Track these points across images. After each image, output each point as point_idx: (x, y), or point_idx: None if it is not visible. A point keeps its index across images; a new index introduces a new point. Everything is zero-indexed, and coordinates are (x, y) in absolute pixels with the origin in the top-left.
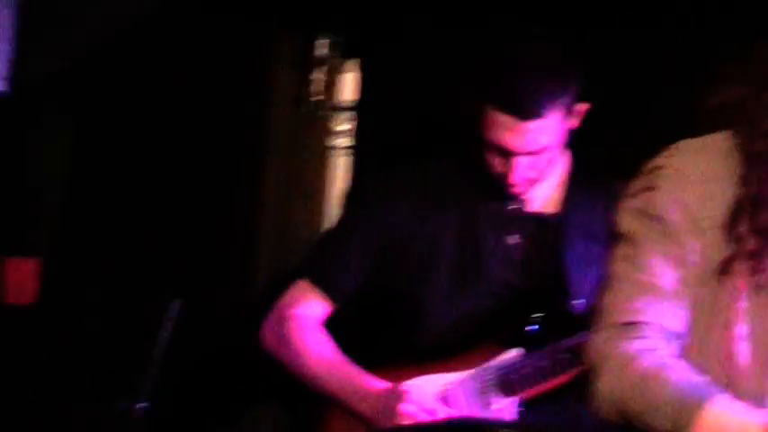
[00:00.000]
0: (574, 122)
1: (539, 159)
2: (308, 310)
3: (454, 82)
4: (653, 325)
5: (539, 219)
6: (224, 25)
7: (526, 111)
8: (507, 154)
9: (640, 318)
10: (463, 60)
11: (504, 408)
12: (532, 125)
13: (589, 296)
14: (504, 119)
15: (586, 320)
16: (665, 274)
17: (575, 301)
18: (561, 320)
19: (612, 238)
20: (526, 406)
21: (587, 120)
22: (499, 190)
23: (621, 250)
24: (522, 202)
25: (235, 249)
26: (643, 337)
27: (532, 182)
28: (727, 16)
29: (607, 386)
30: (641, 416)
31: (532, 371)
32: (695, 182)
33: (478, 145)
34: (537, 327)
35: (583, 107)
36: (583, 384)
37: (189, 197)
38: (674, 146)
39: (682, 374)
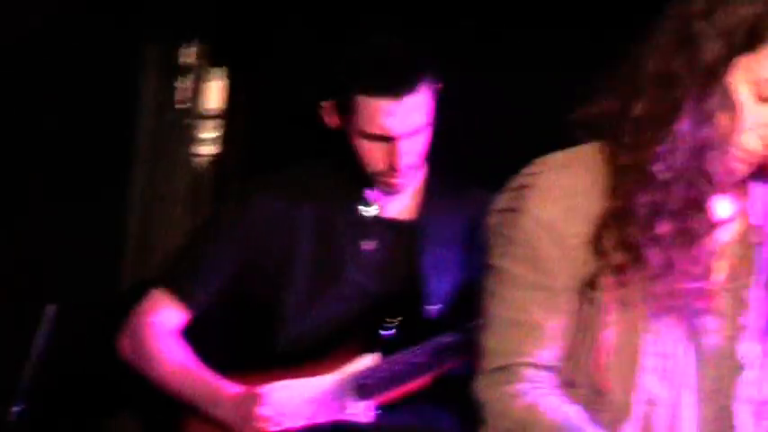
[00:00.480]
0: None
1: (418, 141)
2: (163, 318)
3: (316, 84)
4: (526, 365)
5: (395, 225)
6: (91, 30)
7: (399, 87)
8: (388, 140)
9: (514, 359)
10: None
11: (360, 412)
12: (408, 101)
13: (444, 301)
14: (379, 103)
15: (441, 325)
16: (534, 307)
17: (430, 307)
18: (417, 325)
19: (483, 267)
20: (382, 410)
21: (443, 129)
22: (357, 194)
23: (491, 286)
24: (378, 208)
25: (101, 254)
26: (517, 381)
27: (414, 170)
28: (599, 25)
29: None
30: None
31: (389, 375)
32: (559, 198)
33: (350, 146)
34: (393, 331)
35: (438, 86)
36: (438, 388)
37: (56, 201)
38: (539, 161)
39: (555, 413)
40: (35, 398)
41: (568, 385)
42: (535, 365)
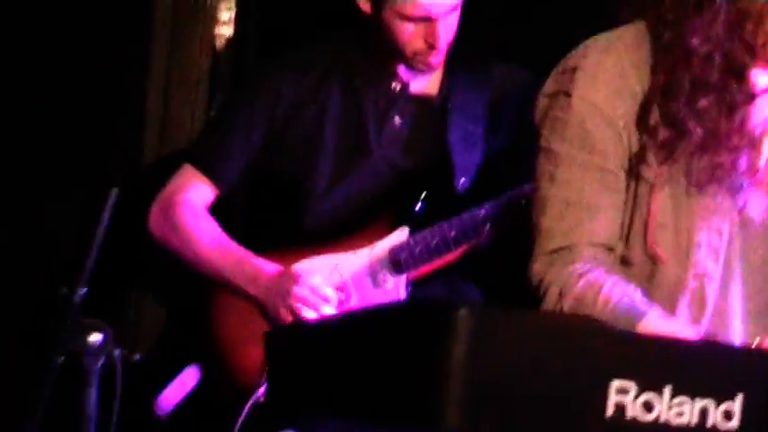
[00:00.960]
0: None
1: (454, 17)
2: (194, 196)
3: None
4: (584, 244)
5: (421, 100)
6: None
7: None
8: (428, 20)
9: (572, 240)
10: None
11: (394, 286)
12: None
13: (471, 175)
14: None
15: (469, 198)
16: (589, 187)
17: (459, 181)
18: (446, 199)
19: (535, 150)
20: (414, 284)
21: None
22: (384, 71)
23: (544, 167)
24: (405, 84)
25: (123, 135)
26: (578, 260)
27: (449, 46)
28: None
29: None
30: None
31: (421, 249)
32: (606, 80)
33: (381, 27)
34: (422, 206)
35: None
36: (467, 262)
37: (76, 84)
38: (586, 43)
39: (614, 294)
40: (98, 280)
41: (624, 263)
42: (593, 244)
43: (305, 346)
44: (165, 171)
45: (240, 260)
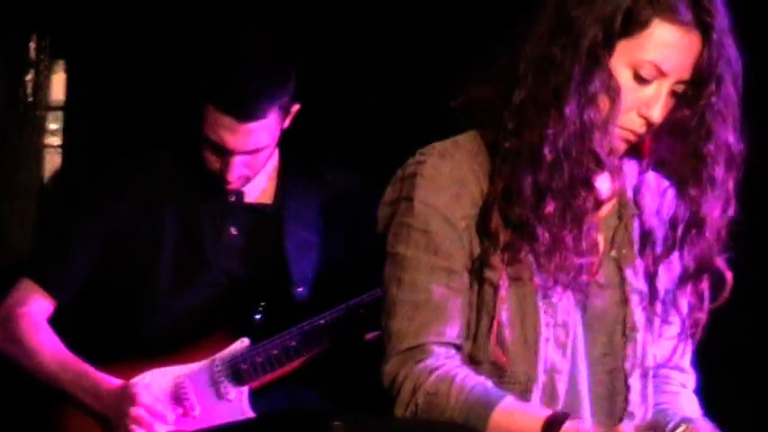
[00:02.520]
0: (287, 121)
1: (256, 158)
2: (33, 308)
3: (169, 78)
4: (434, 344)
5: (256, 209)
6: None
7: (247, 113)
8: (225, 152)
9: (422, 339)
10: (179, 57)
11: (236, 397)
12: (252, 126)
13: (310, 283)
14: (224, 119)
15: (307, 307)
16: (435, 288)
17: (296, 289)
18: (285, 308)
19: (382, 256)
20: (256, 394)
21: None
22: (217, 183)
23: (391, 272)
24: (239, 194)
25: None
26: (428, 357)
27: (248, 178)
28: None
29: (401, 410)
30: None
31: (262, 360)
32: (445, 186)
33: (195, 139)
34: (261, 315)
35: (296, 107)
36: (308, 370)
37: None
38: (423, 150)
39: (467, 383)
40: None
41: (473, 362)
42: (442, 343)
43: None
44: None
45: (80, 374)
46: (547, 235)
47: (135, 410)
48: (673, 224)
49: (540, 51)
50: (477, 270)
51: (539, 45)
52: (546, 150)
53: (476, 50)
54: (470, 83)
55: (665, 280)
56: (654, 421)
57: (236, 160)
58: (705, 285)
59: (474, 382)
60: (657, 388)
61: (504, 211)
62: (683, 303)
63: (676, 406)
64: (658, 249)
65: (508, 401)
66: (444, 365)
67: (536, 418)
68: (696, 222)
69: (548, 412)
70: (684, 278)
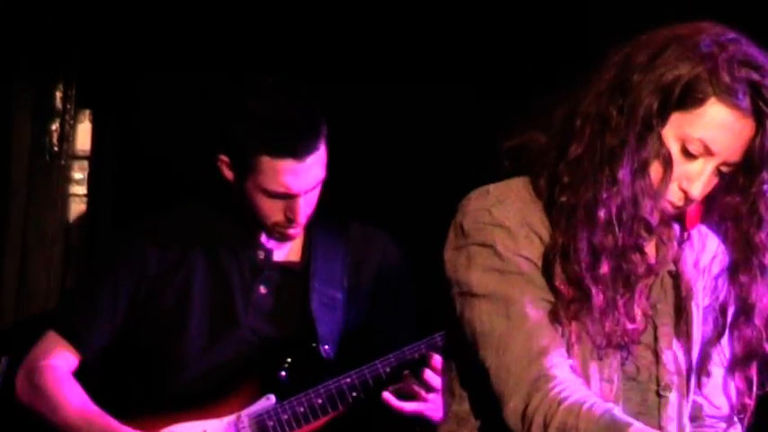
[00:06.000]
0: None
1: (315, 194)
2: (58, 362)
3: (195, 137)
4: (558, 368)
5: (285, 268)
6: None
7: (302, 149)
8: (290, 197)
9: (545, 367)
10: (203, 111)
11: None
12: (310, 161)
13: (335, 342)
14: (283, 164)
15: (333, 365)
16: (544, 315)
17: (322, 348)
18: (311, 366)
19: (456, 300)
20: None
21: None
22: (247, 239)
23: (488, 309)
24: (268, 252)
25: None
26: (554, 386)
27: (308, 217)
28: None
29: None
30: None
31: (288, 417)
32: (515, 230)
33: (239, 195)
34: (287, 372)
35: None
36: (333, 428)
37: None
38: (480, 195)
39: (596, 411)
40: None
41: None
42: (566, 368)
43: None
44: (23, 331)
45: (105, 428)
46: (601, 296)
47: None
48: (722, 309)
49: (598, 109)
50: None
51: (597, 103)
52: (600, 213)
53: (491, 110)
54: (518, 128)
55: (702, 345)
56: None
57: (302, 201)
58: (753, 371)
59: (603, 408)
60: None
61: (564, 267)
62: (732, 388)
63: None
64: (695, 303)
65: (639, 426)
66: (570, 393)
67: None
68: (745, 309)
69: None
70: (733, 364)
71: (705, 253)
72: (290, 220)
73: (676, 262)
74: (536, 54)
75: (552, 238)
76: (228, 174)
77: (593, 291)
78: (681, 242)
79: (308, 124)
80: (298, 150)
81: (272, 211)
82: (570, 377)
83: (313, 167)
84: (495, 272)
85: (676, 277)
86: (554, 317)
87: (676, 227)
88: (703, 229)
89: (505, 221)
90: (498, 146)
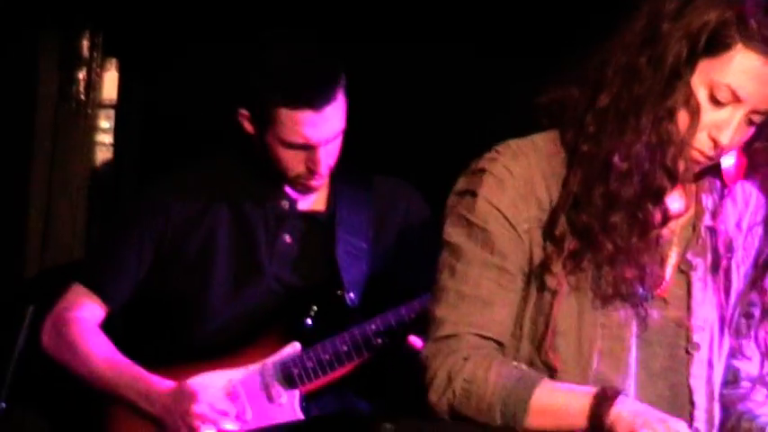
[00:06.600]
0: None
1: (336, 144)
2: (86, 313)
3: (220, 89)
4: (472, 335)
5: (309, 217)
6: None
7: (323, 99)
8: (309, 148)
9: (460, 329)
10: (227, 67)
11: (288, 400)
12: (328, 110)
13: (360, 289)
14: (302, 115)
15: (358, 312)
16: (486, 283)
17: (348, 295)
18: (336, 314)
19: (439, 244)
20: (307, 397)
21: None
22: (271, 189)
23: (447, 260)
24: (292, 201)
25: (3, 245)
26: (464, 348)
27: (331, 168)
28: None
29: (436, 397)
30: (477, 418)
31: (313, 364)
32: (511, 187)
33: (263, 148)
34: (313, 321)
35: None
36: (360, 376)
37: None
38: (498, 147)
39: (503, 371)
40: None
41: (528, 364)
42: (482, 336)
43: None
44: (48, 280)
45: (134, 378)
46: (610, 245)
47: (198, 407)
48: (757, 259)
49: (627, 60)
50: (538, 275)
51: (627, 53)
52: (618, 159)
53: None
54: (555, 83)
55: (740, 304)
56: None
57: (322, 152)
58: None
59: (511, 366)
60: (743, 396)
61: (572, 218)
62: (762, 337)
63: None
64: (735, 262)
65: (548, 381)
66: (477, 356)
67: (583, 394)
68: None
69: (596, 389)
70: (764, 313)
71: (748, 211)
72: (312, 172)
73: (715, 216)
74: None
75: (564, 191)
76: (249, 127)
77: (603, 239)
78: (721, 197)
79: (326, 75)
80: (315, 101)
81: (294, 162)
82: (483, 345)
83: (332, 118)
84: (464, 221)
85: (714, 232)
86: (505, 281)
87: (716, 181)
88: (748, 187)
89: (505, 175)
90: (535, 102)
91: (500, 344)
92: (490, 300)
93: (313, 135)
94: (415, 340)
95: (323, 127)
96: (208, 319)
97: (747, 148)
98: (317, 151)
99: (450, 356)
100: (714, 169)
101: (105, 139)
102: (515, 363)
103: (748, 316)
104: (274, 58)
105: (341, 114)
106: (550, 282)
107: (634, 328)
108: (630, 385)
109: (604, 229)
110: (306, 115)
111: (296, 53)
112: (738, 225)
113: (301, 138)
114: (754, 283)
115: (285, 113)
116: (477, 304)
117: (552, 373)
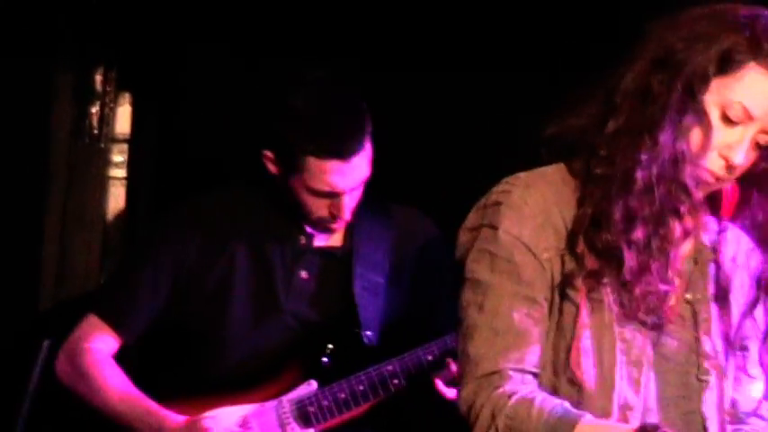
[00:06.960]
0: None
1: (360, 189)
2: (99, 344)
3: (239, 123)
4: (512, 370)
5: (326, 253)
6: (3, 60)
7: (349, 150)
8: (335, 196)
9: (500, 365)
10: (246, 101)
11: None
12: (356, 160)
13: (378, 327)
14: (329, 165)
15: (376, 351)
16: (518, 316)
17: (365, 333)
18: (353, 352)
19: (459, 281)
20: None
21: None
22: (290, 225)
23: (472, 297)
24: (309, 237)
25: (18, 279)
26: (505, 384)
27: (353, 212)
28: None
29: None
30: None
31: (329, 403)
32: (530, 216)
33: (283, 189)
34: (329, 359)
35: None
36: (377, 415)
37: None
38: (509, 179)
39: (546, 405)
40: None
41: (550, 392)
42: (520, 370)
43: None
44: (63, 314)
45: (147, 411)
46: (634, 260)
47: None
48: (758, 282)
49: (638, 84)
50: (562, 295)
51: (637, 79)
52: (639, 175)
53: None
54: (559, 115)
55: (742, 328)
56: None
57: (347, 199)
58: None
59: (553, 403)
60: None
61: (591, 238)
62: (766, 358)
63: None
64: (733, 296)
65: (590, 418)
66: (522, 390)
67: (624, 429)
68: None
69: (636, 425)
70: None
71: (740, 250)
72: (335, 216)
73: (716, 251)
74: (568, 38)
75: (580, 212)
76: (273, 168)
77: (627, 255)
78: (720, 231)
79: (354, 124)
80: (344, 151)
81: (317, 207)
82: (525, 380)
83: (358, 166)
84: (487, 255)
85: (716, 263)
86: (535, 312)
87: (712, 219)
88: (736, 229)
89: (522, 206)
90: (537, 135)
91: (536, 375)
92: (524, 332)
93: (339, 183)
94: (439, 383)
95: (350, 176)
96: (224, 354)
97: (749, 176)
98: (342, 198)
99: (493, 393)
100: (712, 201)
101: (119, 173)
102: (558, 400)
103: (749, 342)
104: (302, 104)
105: (367, 162)
106: (573, 296)
107: (649, 353)
108: (648, 409)
109: (628, 245)
110: (334, 165)
111: (324, 99)
112: (734, 260)
113: (328, 186)
114: (752, 308)
115: (313, 162)
116: (513, 338)
117: (579, 390)
